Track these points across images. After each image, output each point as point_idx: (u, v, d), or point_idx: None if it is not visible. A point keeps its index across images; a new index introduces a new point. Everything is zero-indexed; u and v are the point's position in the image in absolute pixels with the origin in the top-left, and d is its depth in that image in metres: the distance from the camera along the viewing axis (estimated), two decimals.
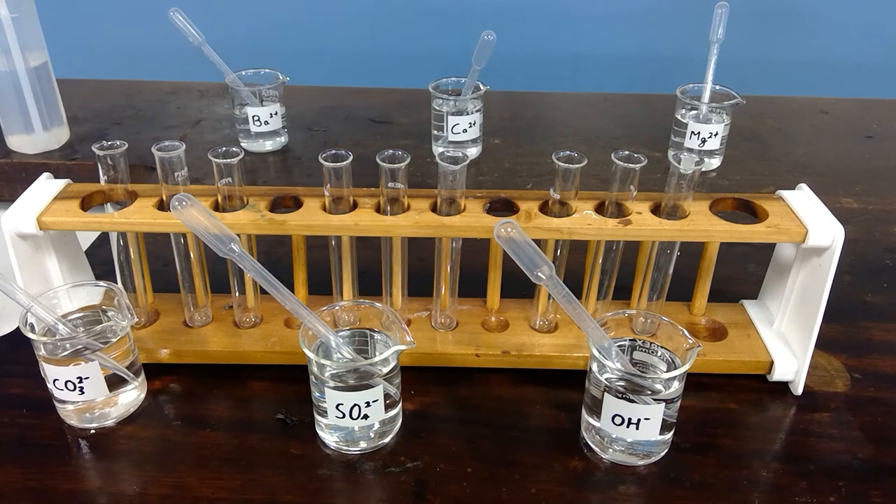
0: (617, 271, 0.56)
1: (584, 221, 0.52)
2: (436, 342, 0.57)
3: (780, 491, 0.47)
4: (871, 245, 0.74)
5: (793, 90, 1.19)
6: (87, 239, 0.73)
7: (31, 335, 0.48)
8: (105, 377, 0.50)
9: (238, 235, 0.46)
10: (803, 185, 0.55)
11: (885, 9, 1.20)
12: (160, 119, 1.03)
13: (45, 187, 0.55)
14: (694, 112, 0.87)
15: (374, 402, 0.48)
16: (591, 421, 0.49)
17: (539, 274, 0.44)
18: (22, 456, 0.50)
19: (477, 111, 0.87)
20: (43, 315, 0.48)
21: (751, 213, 0.55)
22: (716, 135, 0.86)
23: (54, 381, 0.50)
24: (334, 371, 0.49)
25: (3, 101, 0.87)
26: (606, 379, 0.47)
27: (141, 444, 0.51)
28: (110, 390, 0.51)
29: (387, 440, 0.51)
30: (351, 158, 0.52)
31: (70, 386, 0.50)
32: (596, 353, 0.47)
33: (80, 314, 0.53)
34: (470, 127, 0.88)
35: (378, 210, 0.53)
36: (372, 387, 0.48)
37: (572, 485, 0.48)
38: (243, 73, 0.90)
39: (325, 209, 0.53)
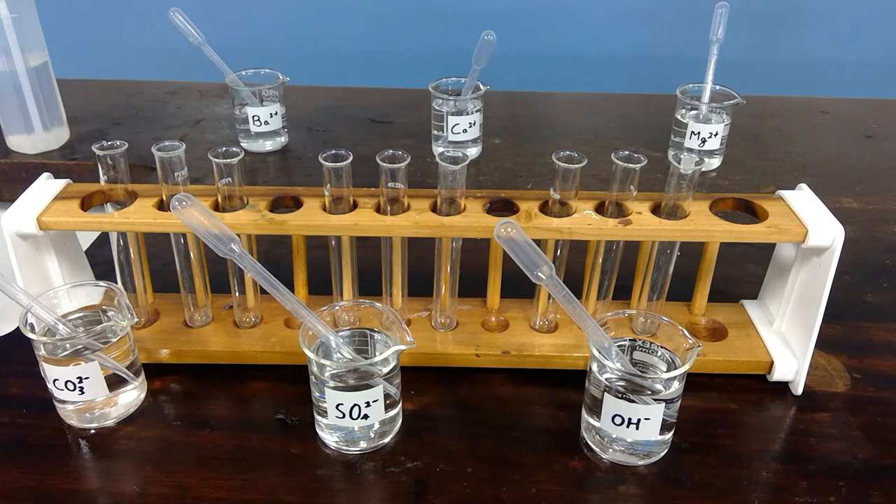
0: (617, 271, 0.56)
1: (584, 221, 0.52)
2: (436, 342, 0.57)
3: (780, 491, 0.47)
4: (871, 245, 0.74)
5: (793, 90, 1.19)
6: (87, 239, 0.73)
7: (31, 335, 0.48)
8: (105, 377, 0.50)
9: (238, 235, 0.46)
10: (803, 185, 0.55)
11: (885, 9, 1.20)
12: (160, 119, 1.03)
13: (45, 187, 0.55)
14: (694, 112, 0.87)
15: (374, 402, 0.48)
16: (591, 421, 0.49)
17: (539, 274, 0.44)
18: (22, 456, 0.50)
19: (477, 111, 0.87)
20: (43, 315, 0.48)
21: (751, 213, 0.55)
22: (716, 135, 0.86)
23: (54, 381, 0.50)
24: (334, 371, 0.49)
25: (3, 101, 0.87)
26: (606, 379, 0.47)
27: (141, 444, 0.51)
28: (110, 390, 0.51)
29: (387, 440, 0.51)
30: (351, 158, 0.52)
31: (70, 386, 0.50)
32: (596, 353, 0.47)
33: (80, 314, 0.53)
34: (470, 127, 0.87)
35: (378, 210, 0.53)
36: (372, 387, 0.48)
37: (572, 485, 0.48)
38: (243, 73, 0.90)
39: (325, 209, 0.53)
